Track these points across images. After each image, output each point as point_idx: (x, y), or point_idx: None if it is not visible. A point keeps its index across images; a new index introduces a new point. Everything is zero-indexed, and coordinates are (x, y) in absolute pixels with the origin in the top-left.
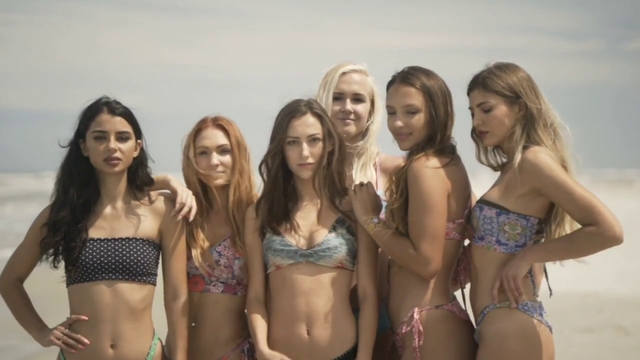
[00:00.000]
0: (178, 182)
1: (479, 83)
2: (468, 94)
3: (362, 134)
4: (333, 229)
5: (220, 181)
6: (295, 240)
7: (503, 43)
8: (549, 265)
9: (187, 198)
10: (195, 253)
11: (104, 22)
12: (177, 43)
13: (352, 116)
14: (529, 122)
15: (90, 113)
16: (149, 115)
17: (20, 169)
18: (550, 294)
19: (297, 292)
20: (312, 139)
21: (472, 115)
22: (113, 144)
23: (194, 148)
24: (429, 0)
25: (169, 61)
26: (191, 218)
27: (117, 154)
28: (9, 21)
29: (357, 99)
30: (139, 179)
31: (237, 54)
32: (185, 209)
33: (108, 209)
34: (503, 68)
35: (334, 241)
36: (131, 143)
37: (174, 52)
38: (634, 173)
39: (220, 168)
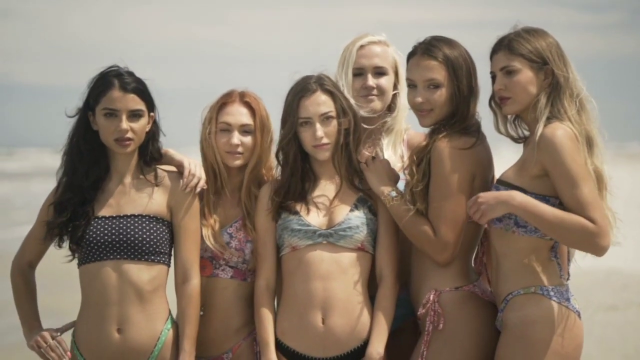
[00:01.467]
0: (183, 154)
1: (505, 45)
2: (491, 57)
3: (389, 108)
4: (355, 207)
5: (237, 162)
6: (314, 219)
7: (523, 15)
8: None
9: (196, 168)
10: (207, 233)
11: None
12: (196, 19)
13: (375, 91)
14: (555, 91)
15: (101, 87)
16: (168, 91)
17: (37, 144)
18: (568, 278)
19: (313, 275)
20: (325, 118)
21: (493, 80)
22: (125, 123)
23: (216, 123)
24: None
25: (187, 37)
26: (199, 189)
27: (129, 134)
28: None
29: (379, 72)
30: (149, 154)
31: (257, 29)
32: (195, 180)
33: (116, 186)
34: (531, 32)
35: (355, 220)
36: (144, 120)
37: (193, 27)
38: None
39: (240, 149)
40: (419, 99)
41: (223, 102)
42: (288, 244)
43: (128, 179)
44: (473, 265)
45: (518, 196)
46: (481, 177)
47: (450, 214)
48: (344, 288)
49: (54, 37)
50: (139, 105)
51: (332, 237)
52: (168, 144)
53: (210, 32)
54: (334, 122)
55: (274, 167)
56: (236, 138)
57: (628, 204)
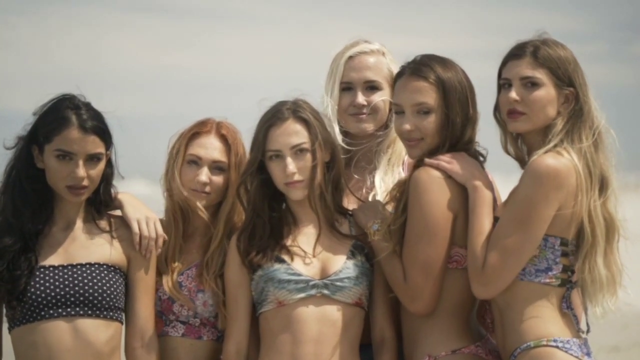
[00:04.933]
0: (134, 205)
1: (530, 52)
2: (507, 61)
3: (384, 127)
4: (351, 255)
5: (202, 203)
6: (305, 268)
7: (506, 45)
8: None
9: (149, 227)
10: (166, 279)
11: (105, 25)
12: (179, 46)
13: (365, 109)
14: (575, 119)
15: (55, 123)
16: (150, 118)
17: None
18: (588, 331)
19: (304, 338)
20: (298, 150)
21: (500, 88)
22: (82, 170)
23: (184, 154)
24: (431, 3)
25: (170, 64)
26: (159, 250)
27: (85, 182)
28: (9, 23)
29: (371, 87)
30: (99, 198)
31: (239, 57)
32: (152, 243)
33: (62, 231)
34: (559, 45)
35: (353, 270)
36: (102, 165)
37: (176, 54)
38: (636, 176)
39: (207, 188)
40: (407, 126)
41: (196, 132)
42: (273, 298)
43: (77, 224)
44: (477, 320)
45: (485, 191)
46: (465, 218)
47: (423, 257)
48: (334, 352)
49: (38, 64)
50: (99, 148)
51: (327, 289)
52: (143, 174)
53: (192, 59)
54: (308, 156)
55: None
56: (205, 175)
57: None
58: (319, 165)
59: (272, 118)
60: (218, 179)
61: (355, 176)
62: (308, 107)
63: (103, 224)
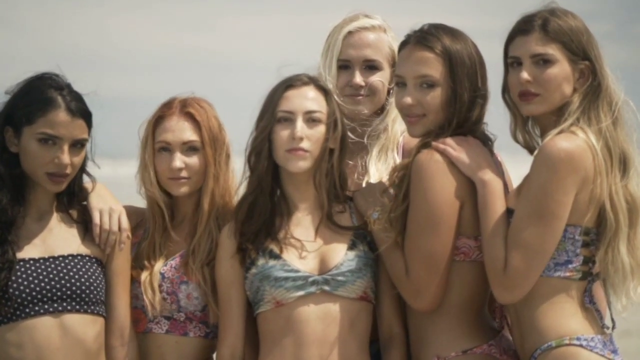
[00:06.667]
0: (100, 195)
1: (538, 26)
2: (513, 37)
3: (381, 111)
4: (352, 245)
5: (183, 190)
6: (302, 263)
7: (510, 25)
8: None
9: (111, 219)
10: (145, 276)
11: (114, 7)
12: (186, 26)
13: (363, 90)
14: (592, 95)
15: (40, 103)
16: (157, 99)
17: None
18: (613, 328)
19: (307, 340)
20: (311, 118)
21: (508, 67)
22: (66, 156)
23: (153, 142)
24: None
25: (178, 45)
26: (122, 245)
27: (68, 169)
28: (17, 3)
29: (370, 66)
30: (72, 189)
31: (249, 37)
32: (112, 237)
33: (36, 221)
34: (569, 15)
35: (355, 261)
36: (84, 152)
37: (183, 35)
38: None
39: (184, 173)
40: (408, 100)
41: (159, 116)
42: (270, 297)
43: (51, 214)
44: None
45: (495, 185)
46: (472, 206)
47: (426, 249)
48: (345, 355)
49: (46, 44)
50: (84, 133)
51: (328, 285)
52: None
53: (199, 39)
54: (322, 128)
55: (233, 194)
56: (178, 160)
57: None
58: (328, 142)
59: (292, 80)
60: (193, 160)
61: (348, 161)
62: (327, 86)
63: (76, 214)
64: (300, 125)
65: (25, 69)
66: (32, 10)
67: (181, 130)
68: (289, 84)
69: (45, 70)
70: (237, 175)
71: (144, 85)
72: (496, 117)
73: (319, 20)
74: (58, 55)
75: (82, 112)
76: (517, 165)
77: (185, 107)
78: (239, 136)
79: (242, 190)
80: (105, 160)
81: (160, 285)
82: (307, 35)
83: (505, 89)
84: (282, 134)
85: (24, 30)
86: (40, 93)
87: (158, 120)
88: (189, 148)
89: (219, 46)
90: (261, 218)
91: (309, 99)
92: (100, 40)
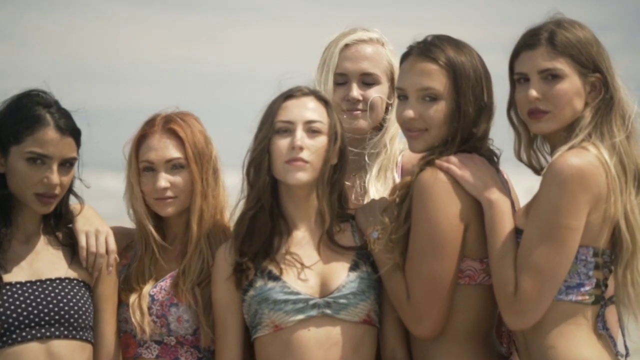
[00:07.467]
0: (86, 217)
1: (545, 39)
2: (519, 53)
3: (379, 128)
4: (355, 266)
5: (170, 210)
6: (302, 285)
7: (512, 37)
8: None
9: (98, 241)
10: (133, 299)
11: (120, 19)
12: (192, 39)
13: (360, 105)
14: (605, 109)
15: (28, 121)
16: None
17: None
18: (627, 355)
19: None
20: (312, 129)
21: (514, 83)
22: (56, 176)
23: (137, 162)
24: None
25: (184, 57)
26: (110, 269)
27: (57, 190)
28: (23, 18)
29: (368, 80)
30: (59, 210)
31: (252, 49)
32: (100, 260)
33: (22, 244)
34: (576, 25)
35: (358, 283)
36: (73, 172)
37: (190, 48)
38: None
39: (170, 192)
40: (410, 113)
41: (142, 134)
42: (269, 321)
43: (38, 236)
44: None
45: (502, 205)
46: (478, 228)
47: (428, 273)
48: None
49: (53, 56)
50: (74, 152)
51: (330, 308)
52: None
53: (207, 52)
54: (323, 139)
55: (227, 212)
56: (163, 179)
57: None
58: (329, 155)
59: (292, 90)
60: (179, 179)
61: (346, 182)
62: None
63: (62, 236)
64: (300, 134)
65: (30, 83)
66: (38, 24)
67: (164, 148)
68: (289, 94)
69: (54, 84)
70: (232, 191)
71: (149, 97)
72: (499, 129)
73: (310, 33)
74: (64, 69)
75: (71, 129)
76: (522, 178)
77: (168, 124)
78: (241, 150)
79: (238, 206)
80: (111, 174)
81: (149, 308)
82: (313, 48)
83: (511, 107)
84: (281, 144)
85: (28, 44)
86: (28, 111)
87: (140, 139)
88: (173, 166)
89: (222, 59)
90: (261, 237)
91: (309, 109)
92: (105, 52)
